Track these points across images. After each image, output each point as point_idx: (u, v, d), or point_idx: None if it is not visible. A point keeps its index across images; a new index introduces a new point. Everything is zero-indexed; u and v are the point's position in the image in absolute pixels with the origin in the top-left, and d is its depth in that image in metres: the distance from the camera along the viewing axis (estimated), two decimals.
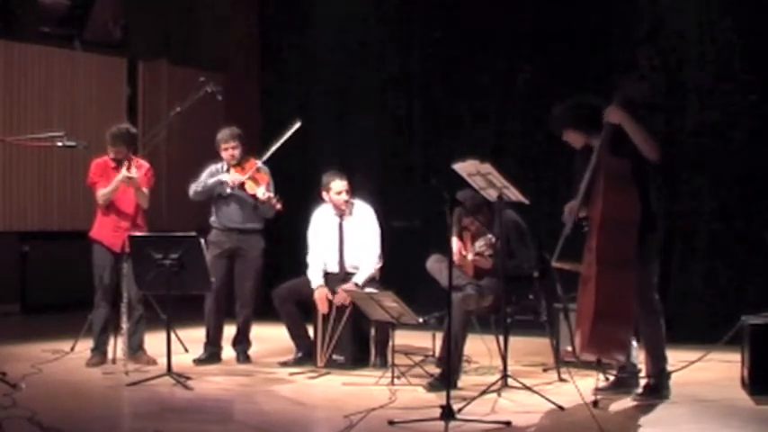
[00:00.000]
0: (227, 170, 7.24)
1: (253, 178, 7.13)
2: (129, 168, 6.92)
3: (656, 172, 5.75)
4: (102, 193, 7.01)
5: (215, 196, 7.26)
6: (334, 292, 6.95)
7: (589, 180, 5.61)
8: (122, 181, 6.93)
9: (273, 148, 7.25)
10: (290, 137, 7.23)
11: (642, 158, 5.57)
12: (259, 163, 7.21)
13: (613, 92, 5.63)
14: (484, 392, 5.78)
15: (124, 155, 7.03)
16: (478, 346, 6.86)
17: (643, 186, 5.56)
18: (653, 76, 5.59)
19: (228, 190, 7.18)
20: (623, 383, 5.97)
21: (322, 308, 6.94)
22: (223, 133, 7.27)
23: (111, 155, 7.04)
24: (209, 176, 7.26)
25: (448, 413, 5.12)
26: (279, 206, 7.07)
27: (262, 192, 7.08)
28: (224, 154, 7.23)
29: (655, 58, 5.58)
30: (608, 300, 5.32)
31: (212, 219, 7.32)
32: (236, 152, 7.20)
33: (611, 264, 5.36)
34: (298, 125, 7.21)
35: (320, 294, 6.95)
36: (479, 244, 6.22)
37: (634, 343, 5.87)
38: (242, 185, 7.14)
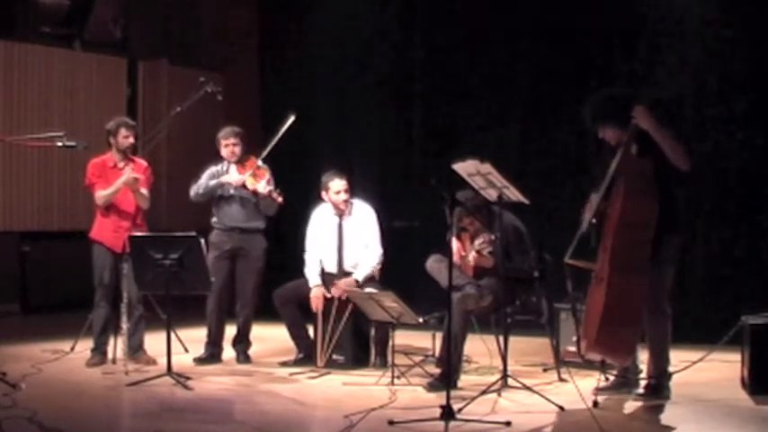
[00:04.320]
0: (227, 170, 7.24)
1: (253, 175, 7.14)
2: (133, 169, 6.95)
3: (679, 174, 5.66)
4: (102, 194, 7.00)
5: (216, 197, 7.26)
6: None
7: (611, 178, 5.57)
8: (126, 182, 6.93)
9: (271, 145, 7.25)
10: (288, 132, 7.22)
11: (666, 160, 5.53)
12: (259, 161, 7.21)
13: (641, 90, 5.55)
14: (484, 392, 5.78)
15: (134, 142, 7.08)
16: (478, 346, 6.85)
17: (665, 188, 5.52)
18: (680, 77, 5.50)
19: (231, 191, 7.19)
20: (624, 383, 5.97)
21: (316, 306, 6.93)
22: (224, 130, 7.29)
23: (130, 140, 7.02)
24: (210, 178, 7.25)
25: (448, 413, 5.12)
26: (280, 199, 7.07)
27: (262, 186, 7.08)
28: (224, 150, 7.24)
29: (685, 58, 5.49)
30: (618, 302, 5.30)
31: (213, 219, 7.32)
32: (237, 149, 7.21)
33: (625, 266, 5.34)
34: (292, 119, 7.20)
35: (315, 293, 6.96)
36: (479, 241, 6.23)
37: (637, 344, 5.86)
38: (243, 184, 7.15)
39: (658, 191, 5.43)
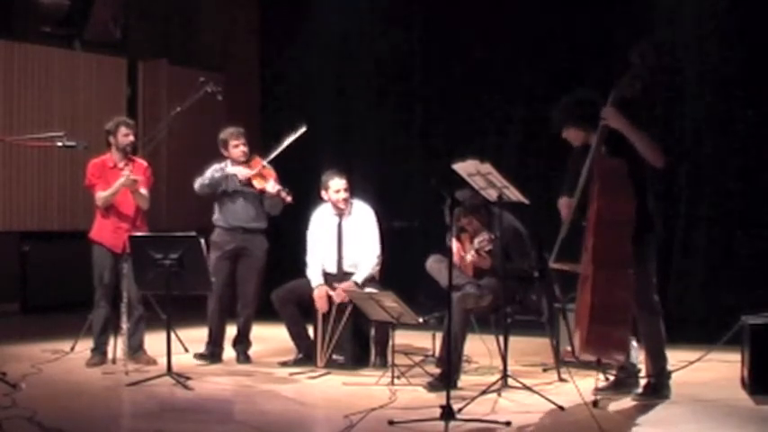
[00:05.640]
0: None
1: (260, 174, 7.14)
2: (132, 170, 6.94)
3: (653, 171, 5.74)
4: (102, 195, 6.99)
5: (219, 194, 7.25)
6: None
7: (585, 180, 5.60)
8: (124, 184, 6.93)
9: (277, 152, 7.24)
10: (288, 133, 7.23)
11: (639, 158, 5.56)
12: (264, 162, 7.21)
13: (609, 91, 5.62)
14: (484, 392, 5.78)
15: (134, 140, 7.07)
16: (478, 346, 6.86)
17: (640, 185, 5.56)
18: (647, 75, 5.56)
19: (236, 184, 7.17)
20: (623, 383, 5.98)
21: (321, 307, 6.94)
22: (230, 131, 7.27)
23: (130, 138, 7.02)
24: (215, 172, 7.23)
25: (448, 413, 5.12)
26: (289, 198, 7.07)
27: (271, 185, 7.09)
28: (234, 151, 7.22)
29: (648, 56, 5.55)
30: (604, 300, 5.32)
31: (215, 217, 7.31)
32: (246, 149, 7.22)
33: (607, 264, 5.36)
34: (303, 130, 7.20)
35: (320, 293, 6.95)
36: (478, 240, 6.23)
37: (634, 343, 5.87)
38: (249, 182, 7.14)
39: (634, 189, 5.46)
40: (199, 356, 7.19)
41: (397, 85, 9.80)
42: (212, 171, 7.24)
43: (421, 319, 6.38)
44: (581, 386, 5.66)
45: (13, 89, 10.28)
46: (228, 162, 7.27)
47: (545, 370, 6.76)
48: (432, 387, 6.10)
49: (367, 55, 9.89)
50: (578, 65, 8.53)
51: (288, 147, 7.22)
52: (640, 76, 5.56)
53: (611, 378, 6.09)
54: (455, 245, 6.42)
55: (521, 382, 5.91)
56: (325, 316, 6.94)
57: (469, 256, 6.38)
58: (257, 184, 7.13)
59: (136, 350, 7.06)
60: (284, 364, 7.05)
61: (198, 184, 7.24)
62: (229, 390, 6.40)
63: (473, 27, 9.19)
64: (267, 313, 7.50)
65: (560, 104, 5.94)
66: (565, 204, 5.87)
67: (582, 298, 5.58)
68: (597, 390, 5.75)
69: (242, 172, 7.14)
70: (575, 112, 5.83)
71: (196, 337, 7.49)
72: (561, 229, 5.80)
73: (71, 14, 10.81)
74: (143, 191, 7.05)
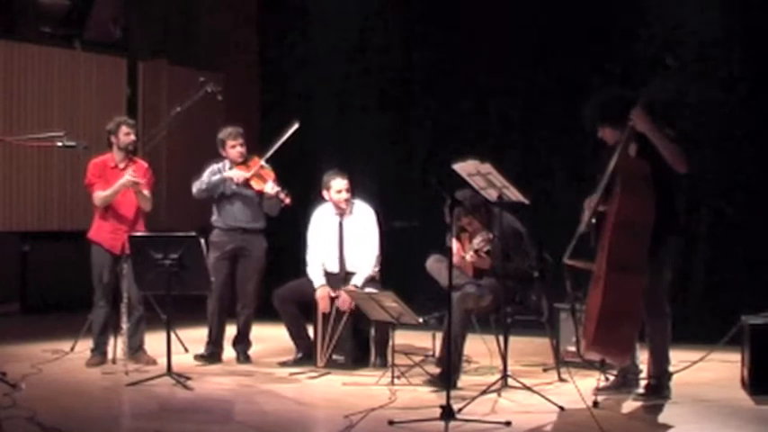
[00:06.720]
0: (230, 169, 7.22)
1: (258, 175, 7.14)
2: (134, 170, 6.93)
3: (678, 175, 5.70)
4: (101, 195, 6.98)
5: (217, 196, 7.24)
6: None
7: (609, 178, 5.59)
8: (125, 185, 6.92)
9: (272, 150, 7.24)
10: (290, 138, 7.23)
11: (665, 161, 5.55)
12: (262, 162, 7.21)
13: (639, 91, 5.60)
14: (484, 392, 5.78)
15: (135, 140, 7.07)
16: (478, 346, 6.86)
17: (665, 189, 5.53)
18: (679, 77, 5.53)
19: (234, 187, 7.17)
20: (624, 383, 5.98)
21: (324, 307, 6.93)
22: (228, 131, 7.25)
23: (131, 137, 7.01)
24: (212, 175, 7.23)
25: (448, 413, 5.12)
26: (288, 200, 7.07)
27: (270, 186, 7.08)
28: (231, 152, 7.21)
29: (679, 59, 5.52)
30: (615, 301, 5.31)
31: (214, 218, 7.31)
32: (244, 150, 7.21)
33: (621, 266, 5.35)
34: (296, 126, 7.20)
35: (322, 293, 6.95)
36: (477, 240, 6.24)
37: (636, 344, 5.87)
38: (247, 183, 7.14)
39: (657, 192, 5.44)
40: (199, 357, 7.19)
41: (397, 84, 9.80)
42: (209, 174, 7.23)
43: (421, 319, 6.38)
44: (581, 386, 5.66)
45: (13, 89, 10.27)
46: (226, 163, 7.27)
47: (545, 370, 6.76)
48: (431, 384, 6.10)
49: (367, 55, 9.87)
50: (579, 65, 8.53)
51: (284, 145, 7.21)
52: (672, 80, 5.52)
53: (612, 378, 6.09)
54: (455, 245, 6.42)
55: (521, 383, 5.92)
56: (326, 316, 6.94)
57: (469, 257, 6.38)
58: (255, 185, 7.13)
59: (136, 350, 7.05)
60: (284, 364, 7.05)
61: (195, 188, 7.23)
62: (229, 390, 6.39)
63: (474, 26, 9.19)
64: (267, 313, 7.50)
65: (593, 103, 5.89)
66: (589, 204, 5.81)
67: (592, 297, 5.57)
68: (598, 390, 5.75)
69: (238, 175, 7.13)
70: (609, 111, 5.77)
71: (196, 337, 7.49)
72: (580, 225, 5.77)
73: (71, 14, 10.81)
74: (146, 192, 7.04)
